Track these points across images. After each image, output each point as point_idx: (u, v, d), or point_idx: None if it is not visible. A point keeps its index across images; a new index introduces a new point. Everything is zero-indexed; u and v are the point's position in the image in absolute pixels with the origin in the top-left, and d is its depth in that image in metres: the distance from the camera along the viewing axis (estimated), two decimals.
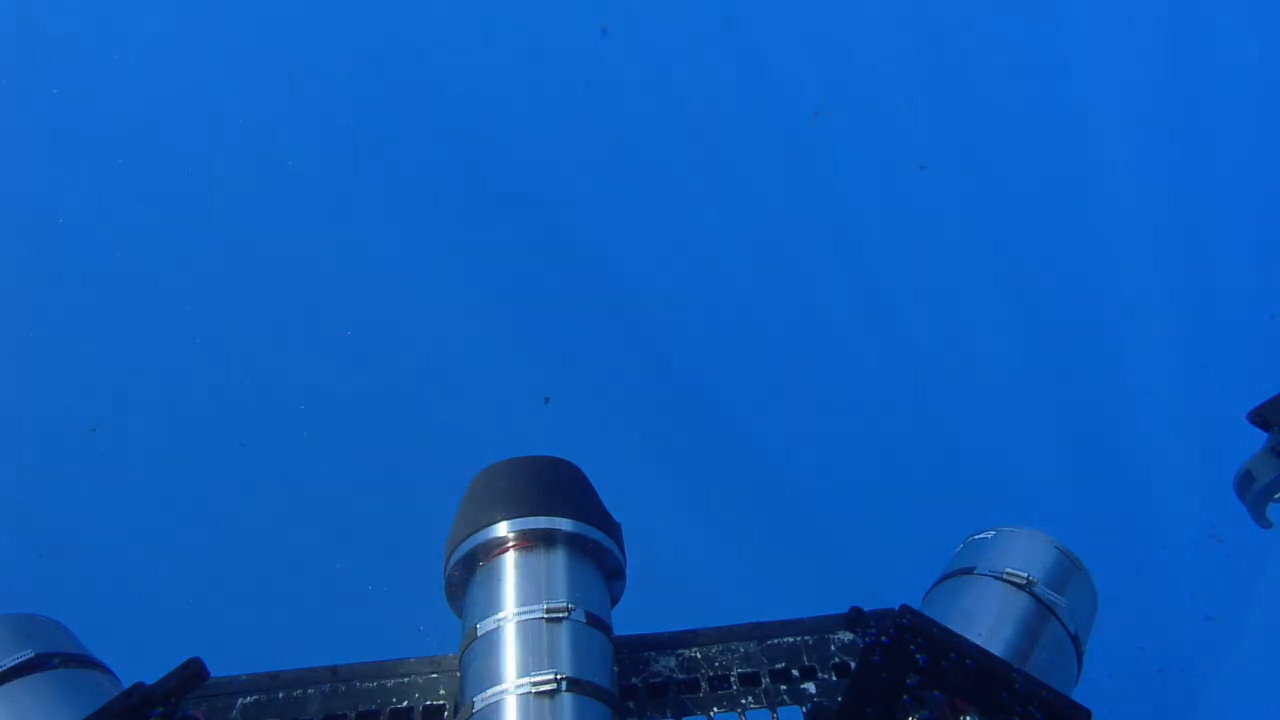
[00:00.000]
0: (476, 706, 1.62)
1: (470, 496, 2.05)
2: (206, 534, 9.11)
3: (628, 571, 2.05)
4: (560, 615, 1.75)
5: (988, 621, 1.79)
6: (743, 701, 1.99)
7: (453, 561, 1.94)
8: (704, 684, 2.02)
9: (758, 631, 2.12)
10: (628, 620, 2.01)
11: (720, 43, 9.97)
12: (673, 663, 2.05)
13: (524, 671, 1.64)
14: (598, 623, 1.80)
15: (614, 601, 2.03)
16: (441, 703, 1.95)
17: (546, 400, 9.14)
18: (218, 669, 1.74)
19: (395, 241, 9.96)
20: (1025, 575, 1.87)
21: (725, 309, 10.65)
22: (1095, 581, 1.98)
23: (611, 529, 2.02)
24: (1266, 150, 9.87)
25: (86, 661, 1.67)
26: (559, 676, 1.63)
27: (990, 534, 2.06)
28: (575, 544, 1.94)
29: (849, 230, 10.70)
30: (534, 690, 1.60)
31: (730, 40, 9.95)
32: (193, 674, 1.56)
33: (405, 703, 1.96)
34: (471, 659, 1.74)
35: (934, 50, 10.05)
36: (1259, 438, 2.21)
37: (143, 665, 1.70)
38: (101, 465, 8.97)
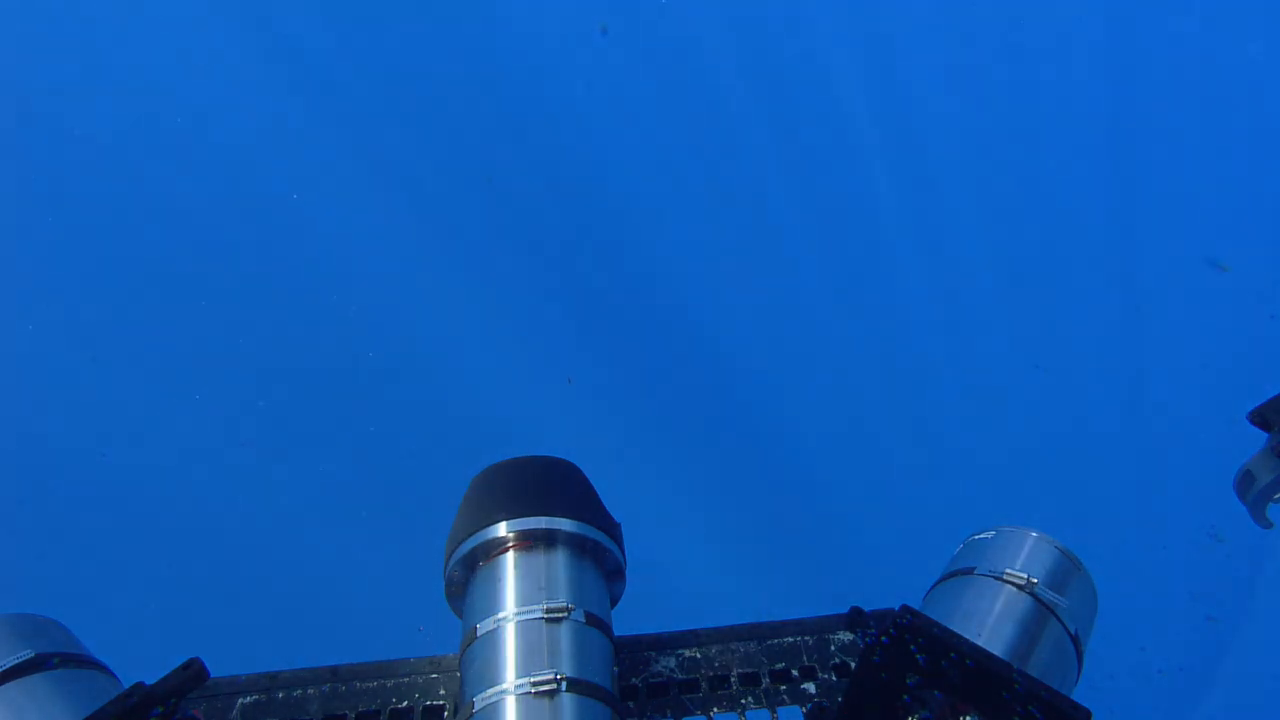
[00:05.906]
0: (476, 706, 1.62)
1: (470, 497, 2.04)
2: (207, 534, 9.11)
3: (627, 572, 2.05)
4: (560, 615, 1.75)
5: (988, 621, 1.79)
6: (743, 701, 1.98)
7: (453, 561, 1.94)
8: (704, 684, 2.02)
9: (758, 631, 2.12)
10: (628, 620, 2.01)
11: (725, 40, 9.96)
12: (673, 663, 2.05)
13: (524, 671, 1.64)
14: (598, 623, 1.80)
15: (614, 601, 2.03)
16: (441, 703, 1.95)
17: (569, 381, 9.24)
18: (218, 669, 1.74)
19: (398, 239, 9.95)
20: (1025, 575, 1.86)
21: (726, 311, 10.64)
22: (1095, 582, 1.97)
23: (611, 529, 2.02)
24: (1269, 150, 9.86)
25: (86, 661, 1.66)
26: (559, 676, 1.62)
27: (990, 534, 2.05)
28: (575, 544, 1.93)
29: (852, 230, 10.69)
30: (534, 690, 1.60)
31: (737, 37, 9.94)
32: (193, 674, 1.56)
33: (405, 703, 1.95)
34: (471, 659, 1.74)
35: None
36: (1259, 438, 2.21)
37: (143, 665, 1.70)
38: (102, 465, 8.97)
